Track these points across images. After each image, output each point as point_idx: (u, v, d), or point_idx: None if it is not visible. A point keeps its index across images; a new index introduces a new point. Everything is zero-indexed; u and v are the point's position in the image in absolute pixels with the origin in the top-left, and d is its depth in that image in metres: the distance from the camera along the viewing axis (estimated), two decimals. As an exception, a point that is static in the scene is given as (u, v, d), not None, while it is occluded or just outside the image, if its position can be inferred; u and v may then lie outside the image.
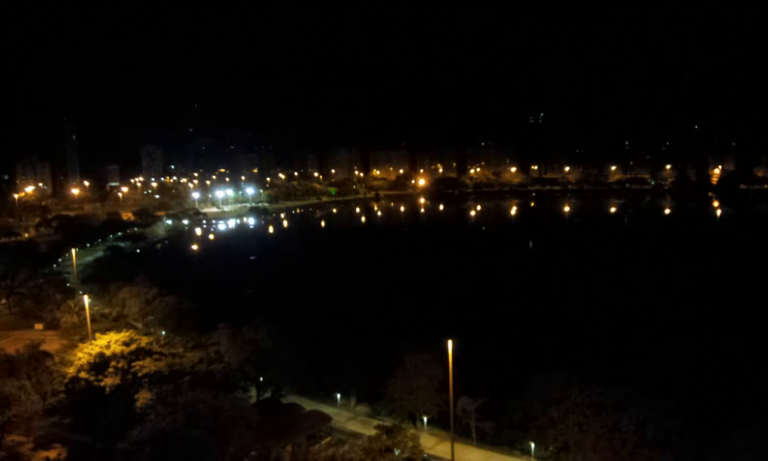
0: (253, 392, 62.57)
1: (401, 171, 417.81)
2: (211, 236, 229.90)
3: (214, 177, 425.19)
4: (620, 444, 43.18)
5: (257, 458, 46.76)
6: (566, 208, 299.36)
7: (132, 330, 74.19)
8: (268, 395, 62.07)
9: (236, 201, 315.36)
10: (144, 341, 66.64)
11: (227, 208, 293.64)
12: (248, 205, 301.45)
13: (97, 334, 74.31)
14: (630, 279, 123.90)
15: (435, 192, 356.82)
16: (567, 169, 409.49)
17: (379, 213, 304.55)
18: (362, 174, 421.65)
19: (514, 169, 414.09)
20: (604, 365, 65.76)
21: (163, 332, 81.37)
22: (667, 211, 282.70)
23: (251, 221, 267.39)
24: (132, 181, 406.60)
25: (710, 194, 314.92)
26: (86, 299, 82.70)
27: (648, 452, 42.35)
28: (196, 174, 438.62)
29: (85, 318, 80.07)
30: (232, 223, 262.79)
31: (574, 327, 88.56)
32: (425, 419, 56.77)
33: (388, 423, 54.40)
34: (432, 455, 51.71)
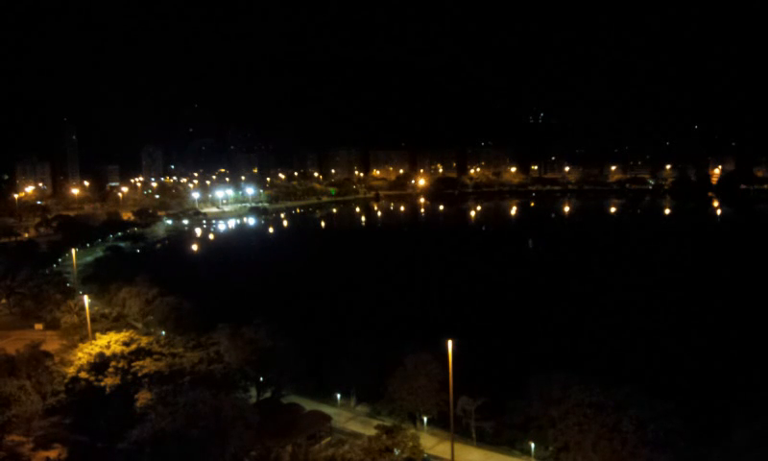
0: (253, 392, 62.51)
1: (401, 171, 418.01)
2: (211, 236, 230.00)
3: (214, 177, 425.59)
4: (620, 444, 43.15)
5: (257, 458, 46.76)
6: (566, 208, 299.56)
7: (132, 330, 74.13)
8: (268, 395, 62.05)
9: (236, 201, 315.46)
10: (144, 341, 66.56)
11: (227, 208, 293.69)
12: (248, 205, 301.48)
13: (97, 334, 74.24)
14: (630, 278, 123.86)
15: (435, 192, 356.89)
16: (567, 169, 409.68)
17: (379, 213, 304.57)
18: (362, 174, 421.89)
19: (514, 169, 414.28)
20: (604, 365, 65.74)
21: (163, 332, 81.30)
22: (667, 211, 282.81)
23: (251, 221, 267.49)
24: (132, 181, 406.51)
25: (710, 194, 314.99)
26: (86, 299, 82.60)
27: (648, 452, 42.31)
28: (196, 174, 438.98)
29: (85, 318, 79.99)
30: (232, 223, 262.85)
31: (574, 326, 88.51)
32: (425, 419, 56.76)
33: (388, 423, 54.36)
34: (432, 455, 51.71)
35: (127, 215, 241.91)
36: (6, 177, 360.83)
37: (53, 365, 64.18)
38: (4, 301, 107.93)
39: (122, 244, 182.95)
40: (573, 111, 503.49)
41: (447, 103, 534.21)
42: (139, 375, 58.13)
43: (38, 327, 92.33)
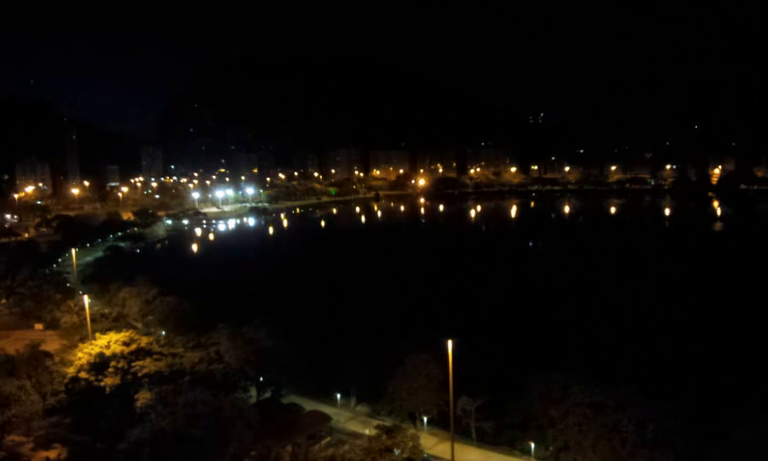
0: (253, 392, 62.53)
1: (401, 171, 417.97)
2: (211, 236, 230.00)
3: (214, 177, 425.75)
4: (620, 444, 43.12)
5: (257, 458, 46.78)
6: (566, 208, 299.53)
7: (132, 330, 73.99)
8: (268, 395, 62.07)
9: (236, 201, 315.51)
10: (144, 341, 66.50)
11: (227, 208, 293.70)
12: (248, 205, 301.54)
13: (97, 334, 74.18)
14: (630, 278, 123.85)
15: (435, 192, 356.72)
16: (567, 169, 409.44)
17: (379, 213, 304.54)
18: (362, 174, 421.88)
19: (514, 169, 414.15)
20: (604, 365, 65.71)
21: (163, 332, 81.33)
22: (667, 211, 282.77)
23: (251, 221, 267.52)
24: (132, 181, 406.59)
25: (710, 194, 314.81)
26: (86, 299, 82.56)
27: (648, 452, 42.28)
28: (196, 174, 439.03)
29: (85, 318, 79.99)
30: (232, 223, 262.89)
31: (574, 326, 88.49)
32: (425, 419, 56.76)
33: (388, 423, 54.37)
34: (432, 455, 51.71)
35: (127, 215, 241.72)
36: (6, 177, 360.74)
37: (53, 365, 64.16)
38: (4, 301, 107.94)
39: (122, 244, 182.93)
40: (573, 111, 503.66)
41: (447, 103, 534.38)
42: (139, 375, 58.10)
43: (38, 327, 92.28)
